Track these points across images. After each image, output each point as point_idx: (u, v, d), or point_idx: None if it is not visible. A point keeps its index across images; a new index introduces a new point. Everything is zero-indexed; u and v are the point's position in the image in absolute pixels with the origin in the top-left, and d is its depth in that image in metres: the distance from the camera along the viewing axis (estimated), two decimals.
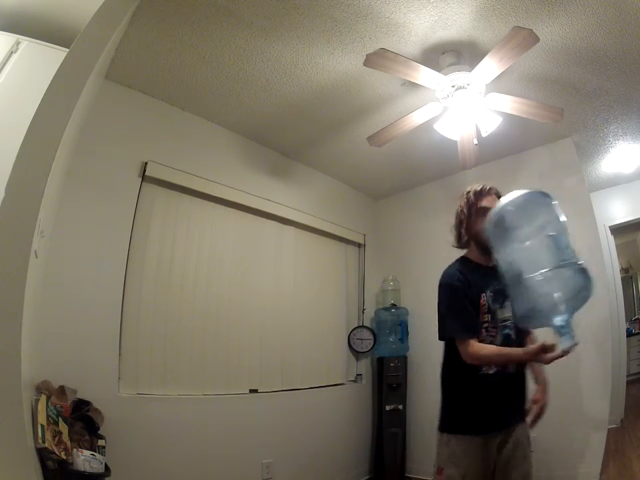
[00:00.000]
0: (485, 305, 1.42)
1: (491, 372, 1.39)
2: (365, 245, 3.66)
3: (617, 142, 2.87)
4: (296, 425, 2.71)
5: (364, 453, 3.20)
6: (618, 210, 3.74)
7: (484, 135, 2.13)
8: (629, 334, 4.99)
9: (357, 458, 3.13)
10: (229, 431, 2.33)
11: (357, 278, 3.61)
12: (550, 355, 1.15)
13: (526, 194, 1.26)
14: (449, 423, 1.48)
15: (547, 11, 1.75)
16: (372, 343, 3.30)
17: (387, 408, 3.08)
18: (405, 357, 3.22)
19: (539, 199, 1.27)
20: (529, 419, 1.38)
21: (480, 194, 1.48)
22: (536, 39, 1.62)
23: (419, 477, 3.03)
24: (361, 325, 3.42)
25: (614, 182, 3.60)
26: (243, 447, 2.37)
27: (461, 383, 1.46)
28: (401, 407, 3.09)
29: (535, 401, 1.38)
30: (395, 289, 3.46)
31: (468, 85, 1.94)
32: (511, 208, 1.26)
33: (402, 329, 3.25)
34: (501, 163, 3.09)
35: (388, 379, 3.13)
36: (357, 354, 3.36)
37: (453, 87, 1.96)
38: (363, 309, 3.50)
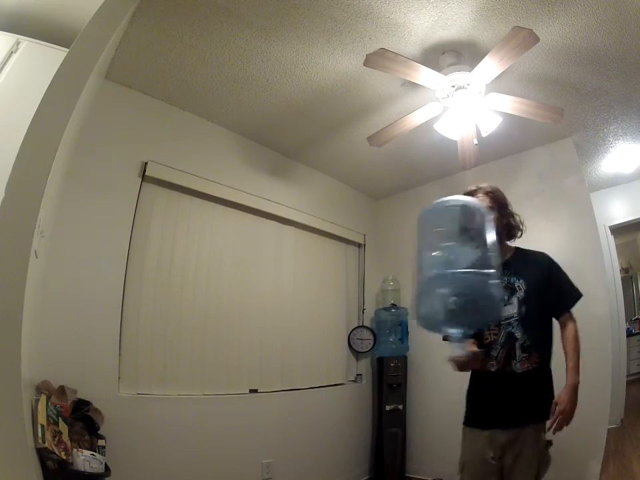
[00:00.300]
0: None
1: (492, 369, 1.41)
2: (365, 244, 3.66)
3: (617, 142, 2.86)
4: (296, 425, 2.71)
5: (364, 453, 3.20)
6: (618, 210, 3.73)
7: (484, 135, 2.13)
8: (629, 334, 4.99)
9: (357, 458, 3.13)
10: (229, 431, 2.33)
11: (357, 278, 3.61)
12: (453, 364, 1.26)
13: (455, 201, 1.28)
14: (464, 415, 1.52)
15: (546, 11, 1.75)
16: (372, 343, 3.29)
17: (387, 408, 3.08)
18: (405, 357, 3.22)
19: (467, 208, 1.28)
20: (549, 422, 1.34)
21: (467, 195, 1.52)
22: (536, 39, 1.62)
23: (419, 477, 3.03)
24: (361, 325, 3.42)
25: (614, 182, 3.60)
26: (243, 446, 2.37)
27: (470, 378, 1.52)
28: (400, 406, 3.09)
29: (555, 403, 1.35)
30: (394, 288, 3.46)
31: (468, 84, 1.94)
32: (434, 210, 1.28)
33: (402, 328, 3.25)
34: (501, 162, 3.08)
35: (388, 379, 3.13)
36: (357, 354, 3.36)
37: (453, 87, 1.96)
38: (363, 309, 3.50)
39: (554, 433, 1.33)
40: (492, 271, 1.14)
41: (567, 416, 1.33)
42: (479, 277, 1.12)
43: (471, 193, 1.54)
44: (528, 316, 1.41)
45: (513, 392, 1.38)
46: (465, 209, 1.27)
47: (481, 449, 1.39)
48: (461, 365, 1.29)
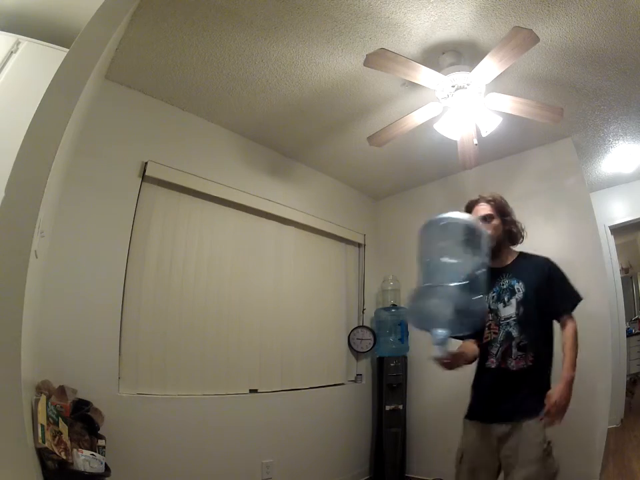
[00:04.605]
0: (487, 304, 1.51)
1: (492, 366, 1.48)
2: (364, 244, 3.66)
3: (616, 142, 2.86)
4: (296, 425, 2.71)
5: (364, 453, 3.20)
6: (618, 210, 3.73)
7: (484, 135, 2.13)
8: (629, 334, 4.98)
9: (357, 458, 3.13)
10: (229, 431, 2.33)
11: (357, 278, 3.61)
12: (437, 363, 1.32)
13: (456, 219, 1.37)
14: (467, 408, 1.58)
15: (547, 11, 1.75)
16: (372, 343, 3.29)
17: (387, 408, 3.08)
18: (405, 357, 3.22)
19: (465, 227, 1.36)
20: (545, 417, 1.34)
21: (470, 205, 1.64)
22: (536, 39, 1.62)
23: (419, 477, 3.03)
24: (361, 325, 3.42)
25: (614, 182, 3.60)
26: (243, 446, 2.37)
27: (475, 374, 1.59)
28: (401, 406, 3.09)
29: (547, 397, 1.36)
30: (394, 288, 3.46)
31: (468, 84, 1.94)
32: (436, 224, 1.38)
33: (402, 328, 3.25)
34: (500, 163, 3.08)
35: (388, 379, 3.13)
36: (357, 354, 3.36)
37: (453, 87, 1.96)
38: (363, 309, 3.50)
39: (544, 427, 1.34)
40: (478, 289, 1.27)
41: (559, 409, 1.33)
42: (465, 293, 1.22)
43: (473, 203, 1.63)
44: (525, 317, 1.46)
45: (508, 388, 1.43)
46: (463, 227, 1.35)
47: (477, 441, 1.46)
48: (443, 365, 1.35)
